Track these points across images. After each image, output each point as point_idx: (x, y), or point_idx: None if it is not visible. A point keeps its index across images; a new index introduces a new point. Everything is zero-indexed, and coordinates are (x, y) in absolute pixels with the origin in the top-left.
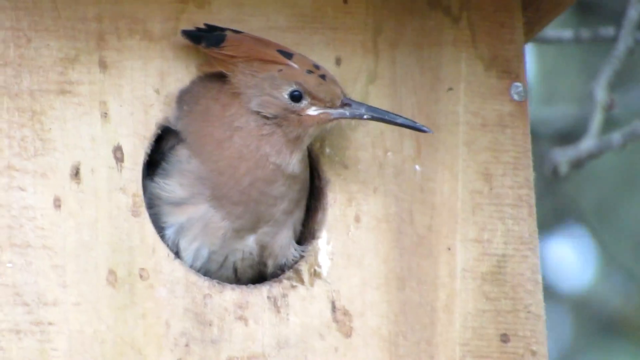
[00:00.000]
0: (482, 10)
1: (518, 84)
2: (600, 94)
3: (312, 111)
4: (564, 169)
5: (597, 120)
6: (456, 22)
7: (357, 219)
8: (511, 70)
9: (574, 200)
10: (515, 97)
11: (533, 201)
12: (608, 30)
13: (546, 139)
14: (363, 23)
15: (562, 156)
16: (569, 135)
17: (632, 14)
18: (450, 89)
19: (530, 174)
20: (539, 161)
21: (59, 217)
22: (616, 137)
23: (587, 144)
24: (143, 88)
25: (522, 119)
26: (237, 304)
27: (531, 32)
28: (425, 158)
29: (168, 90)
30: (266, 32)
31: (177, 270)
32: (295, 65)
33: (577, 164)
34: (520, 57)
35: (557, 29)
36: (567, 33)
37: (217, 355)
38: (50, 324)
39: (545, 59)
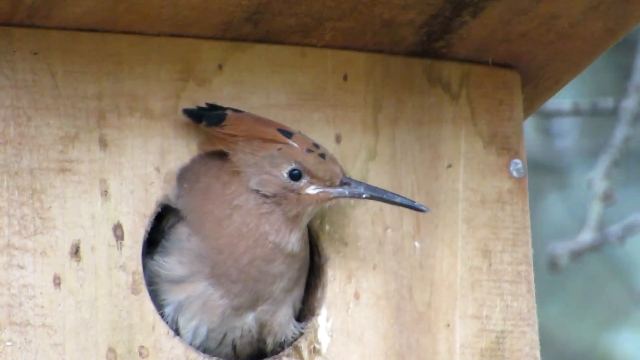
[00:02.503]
0: (482, 87)
1: (517, 160)
2: (599, 185)
3: (312, 190)
4: (564, 261)
5: (595, 212)
6: (456, 99)
7: (357, 296)
8: (510, 147)
9: None
10: (515, 173)
11: (532, 277)
12: (607, 102)
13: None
14: (363, 100)
15: (562, 249)
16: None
17: (629, 103)
18: (450, 165)
19: (529, 250)
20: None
21: (59, 295)
22: (615, 229)
23: (586, 236)
24: (143, 166)
25: (521, 195)
26: None
27: (530, 108)
28: (425, 235)
29: (168, 168)
30: (267, 109)
31: (176, 348)
32: (295, 144)
33: (577, 256)
34: (519, 133)
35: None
36: (567, 104)
37: None
38: None
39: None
